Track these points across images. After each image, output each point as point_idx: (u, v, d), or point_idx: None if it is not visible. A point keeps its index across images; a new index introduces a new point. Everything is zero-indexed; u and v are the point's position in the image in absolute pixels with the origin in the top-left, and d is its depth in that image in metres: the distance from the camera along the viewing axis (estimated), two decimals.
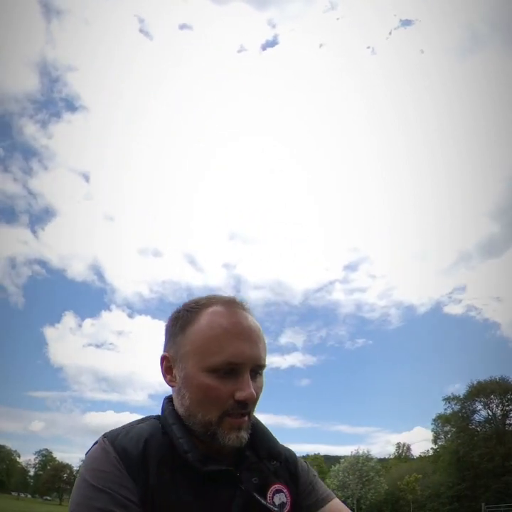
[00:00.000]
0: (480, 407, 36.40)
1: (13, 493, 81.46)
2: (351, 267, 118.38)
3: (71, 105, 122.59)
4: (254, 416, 0.83)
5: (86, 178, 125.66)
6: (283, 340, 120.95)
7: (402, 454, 69.57)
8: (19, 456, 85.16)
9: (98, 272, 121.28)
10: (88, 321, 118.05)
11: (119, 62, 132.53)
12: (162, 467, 0.73)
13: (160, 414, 0.83)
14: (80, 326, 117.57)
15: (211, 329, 0.76)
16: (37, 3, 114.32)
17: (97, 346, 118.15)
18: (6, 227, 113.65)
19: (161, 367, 0.83)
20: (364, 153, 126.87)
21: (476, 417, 36.94)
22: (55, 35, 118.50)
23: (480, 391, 35.76)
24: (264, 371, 0.81)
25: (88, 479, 0.69)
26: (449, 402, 37.49)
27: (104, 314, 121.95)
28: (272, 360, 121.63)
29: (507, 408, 35.51)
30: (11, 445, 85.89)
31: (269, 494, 0.79)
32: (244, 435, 0.77)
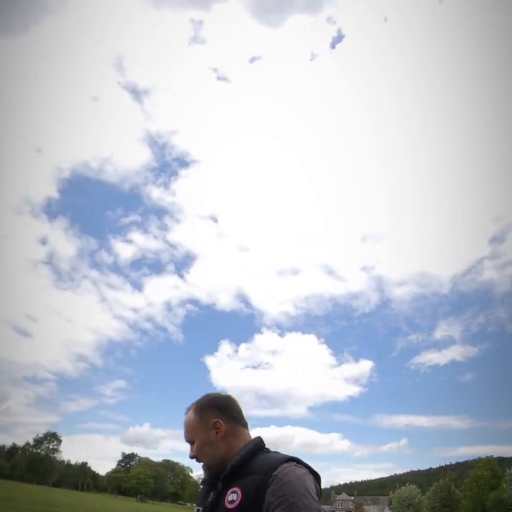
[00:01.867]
0: None
1: (187, 504, 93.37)
2: (497, 239, 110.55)
3: (183, 162, 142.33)
4: (251, 441, 1.37)
5: (214, 219, 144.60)
6: (438, 334, 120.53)
7: None
8: (191, 472, 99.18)
9: (244, 299, 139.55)
10: (243, 346, 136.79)
11: (210, 112, 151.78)
12: (204, 485, 1.45)
13: None
14: (236, 351, 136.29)
15: None
16: (125, 92, 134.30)
17: (254, 367, 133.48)
18: (157, 278, 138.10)
19: None
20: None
21: None
22: (150, 110, 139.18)
23: None
24: None
25: None
26: None
27: (257, 337, 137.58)
28: (429, 358, 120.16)
29: None
30: (185, 462, 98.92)
31: (228, 494, 1.22)
32: (206, 472, 1.39)
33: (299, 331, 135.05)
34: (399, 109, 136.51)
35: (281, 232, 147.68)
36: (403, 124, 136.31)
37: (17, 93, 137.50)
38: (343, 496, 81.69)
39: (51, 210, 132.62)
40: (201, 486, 1.49)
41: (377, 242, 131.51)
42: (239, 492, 1.19)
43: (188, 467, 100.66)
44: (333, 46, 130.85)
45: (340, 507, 76.64)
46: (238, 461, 1.28)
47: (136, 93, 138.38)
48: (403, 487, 59.58)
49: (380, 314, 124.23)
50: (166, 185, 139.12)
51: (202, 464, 1.38)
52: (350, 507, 75.97)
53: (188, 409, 1.45)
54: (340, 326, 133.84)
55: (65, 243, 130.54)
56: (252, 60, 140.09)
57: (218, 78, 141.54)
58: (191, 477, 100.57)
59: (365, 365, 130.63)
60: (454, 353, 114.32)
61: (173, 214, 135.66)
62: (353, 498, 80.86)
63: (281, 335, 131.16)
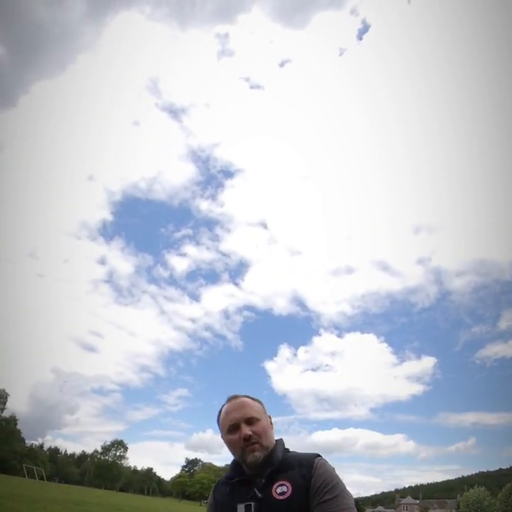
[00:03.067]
0: None
1: None
2: None
3: (228, 173, 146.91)
4: (278, 442, 1.46)
5: (264, 226, 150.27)
6: (503, 324, 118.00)
7: None
8: None
9: (300, 302, 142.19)
10: (302, 349, 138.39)
11: (248, 120, 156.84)
12: (222, 486, 1.49)
13: None
14: (295, 354, 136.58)
15: (222, 415, 1.48)
16: (165, 113, 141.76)
17: (314, 370, 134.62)
18: (213, 287, 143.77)
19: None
20: None
21: None
22: (190, 127, 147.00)
23: None
24: None
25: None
26: None
27: (315, 339, 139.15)
28: (495, 350, 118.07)
29: None
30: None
31: (274, 488, 1.32)
32: (258, 454, 1.38)
33: (358, 330, 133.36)
34: (435, 94, 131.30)
35: (332, 232, 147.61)
36: (446, 110, 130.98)
37: (66, 127, 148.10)
38: (408, 499, 79.25)
39: (107, 232, 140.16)
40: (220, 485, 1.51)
41: (431, 233, 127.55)
42: (288, 484, 1.31)
43: None
44: (360, 38, 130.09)
45: (405, 511, 74.44)
46: (282, 458, 1.40)
47: (174, 112, 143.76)
48: (471, 490, 57.03)
49: (440, 308, 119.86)
50: (213, 197, 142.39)
51: (252, 447, 1.38)
52: (416, 510, 73.62)
53: (232, 397, 1.50)
54: (399, 323, 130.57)
55: (123, 262, 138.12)
56: (282, 64, 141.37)
57: (251, 87, 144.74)
58: None
59: (428, 362, 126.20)
60: None
61: (223, 224, 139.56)
62: (418, 501, 78.26)
63: (339, 336, 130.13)
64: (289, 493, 1.29)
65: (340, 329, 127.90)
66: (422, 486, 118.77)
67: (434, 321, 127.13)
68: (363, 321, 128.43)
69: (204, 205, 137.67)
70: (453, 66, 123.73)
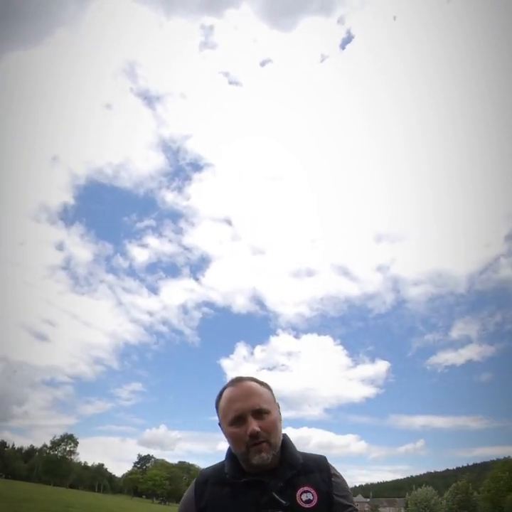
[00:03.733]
0: None
1: None
2: None
3: (197, 166, 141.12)
4: (285, 438, 1.26)
5: (228, 222, 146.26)
6: (454, 333, 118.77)
7: None
8: None
9: (259, 302, 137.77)
10: (259, 348, 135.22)
11: (223, 115, 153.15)
12: (216, 486, 1.20)
13: None
14: (252, 353, 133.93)
15: (224, 402, 1.24)
16: (138, 98, 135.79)
17: (270, 369, 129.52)
18: (172, 280, 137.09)
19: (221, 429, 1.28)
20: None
21: None
22: (163, 116, 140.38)
23: None
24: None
25: (179, 508, 1.27)
26: None
27: (273, 339, 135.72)
28: (445, 358, 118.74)
29: None
30: (200, 464, 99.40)
31: (298, 494, 1.14)
32: (265, 455, 1.15)
33: (315, 332, 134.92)
34: (408, 106, 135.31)
35: (296, 234, 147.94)
36: (416, 122, 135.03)
37: (32, 102, 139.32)
38: (359, 498, 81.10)
39: (67, 217, 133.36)
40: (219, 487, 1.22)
41: (392, 243, 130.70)
42: (312, 491, 1.15)
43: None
44: (343, 47, 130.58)
45: None
46: (300, 459, 1.23)
47: (149, 99, 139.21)
48: (420, 489, 59.01)
49: (396, 314, 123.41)
50: (180, 190, 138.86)
51: (259, 446, 1.16)
52: (366, 509, 75.46)
53: (236, 380, 1.27)
54: (356, 327, 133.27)
55: (82, 249, 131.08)
56: (263, 63, 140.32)
57: (230, 82, 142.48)
58: None
59: (382, 366, 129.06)
60: (471, 352, 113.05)
61: (187, 218, 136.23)
62: (368, 500, 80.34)
63: (296, 336, 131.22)
64: (315, 501, 1.13)
65: (297, 330, 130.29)
66: (372, 485, 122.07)
67: (389, 327, 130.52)
68: (321, 323, 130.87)
69: (170, 197, 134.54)
70: (431, 85, 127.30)
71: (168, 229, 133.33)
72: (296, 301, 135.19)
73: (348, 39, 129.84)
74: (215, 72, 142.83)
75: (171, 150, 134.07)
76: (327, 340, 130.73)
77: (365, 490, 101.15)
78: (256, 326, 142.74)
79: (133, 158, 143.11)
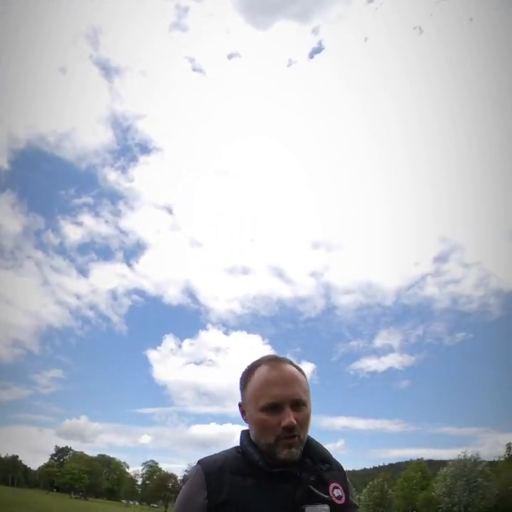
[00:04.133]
0: None
1: (123, 500, 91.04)
2: (442, 258, 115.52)
3: (145, 148, 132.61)
4: (308, 435, 1.12)
5: (169, 210, 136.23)
6: (378, 342, 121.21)
7: None
8: (128, 467, 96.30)
9: (192, 295, 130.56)
10: (187, 341, 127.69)
11: (180, 102, 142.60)
12: (235, 476, 1.04)
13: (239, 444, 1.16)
14: (180, 346, 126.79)
15: (258, 382, 1.10)
16: (96, 67, 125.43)
17: (197, 363, 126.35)
18: (104, 264, 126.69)
19: (240, 411, 1.17)
20: (446, 139, 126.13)
21: None
22: (119, 90, 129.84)
23: None
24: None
25: (179, 499, 1.08)
26: None
27: (202, 333, 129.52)
28: (368, 364, 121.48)
29: None
30: (121, 457, 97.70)
31: (330, 489, 1.07)
32: (295, 451, 1.05)
33: (245, 330, 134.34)
34: (361, 125, 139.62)
35: (235, 231, 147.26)
36: (362, 138, 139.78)
37: None
38: None
39: None
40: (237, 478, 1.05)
41: (329, 251, 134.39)
42: (341, 488, 1.10)
43: (124, 463, 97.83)
44: (311, 56, 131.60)
45: None
46: (331, 454, 1.18)
47: (107, 70, 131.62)
48: None
49: (325, 320, 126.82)
50: (123, 170, 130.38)
51: (291, 441, 1.05)
52: None
53: (274, 359, 1.14)
54: (285, 329, 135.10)
55: (11, 219, 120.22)
56: (231, 56, 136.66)
57: (193, 69, 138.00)
58: (128, 473, 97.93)
59: (307, 368, 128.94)
60: (392, 360, 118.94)
61: (127, 200, 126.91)
62: None
63: (226, 333, 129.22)
64: (344, 498, 1.09)
65: (227, 326, 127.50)
66: None
67: (317, 331, 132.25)
68: (251, 321, 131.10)
69: (112, 176, 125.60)
70: (383, 111, 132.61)
71: (106, 209, 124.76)
72: (228, 298, 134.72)
73: (318, 50, 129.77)
74: (180, 55, 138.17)
75: (121, 127, 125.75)
76: (256, 339, 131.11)
77: None
78: (186, 318, 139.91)
79: (80, 129, 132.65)
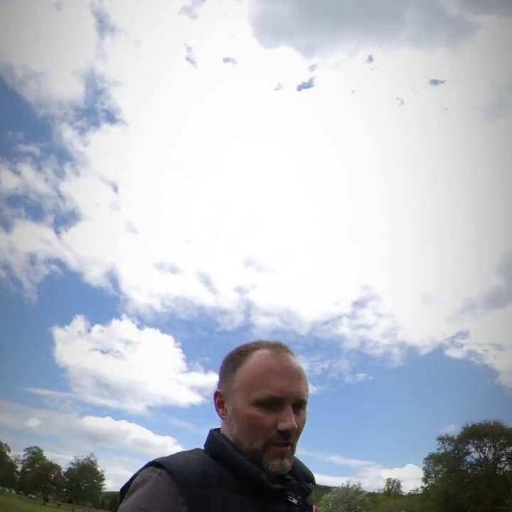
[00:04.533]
0: (472, 449, 36.66)
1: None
2: (360, 304, 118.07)
3: (111, 117, 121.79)
4: None
5: (115, 188, 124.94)
6: None
7: (392, 490, 67.03)
8: (9, 451, 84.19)
9: (114, 279, 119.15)
10: (97, 327, 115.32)
11: (163, 85, 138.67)
12: (223, 490, 0.76)
13: (204, 445, 0.89)
14: (89, 330, 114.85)
15: (257, 368, 0.85)
16: (93, 17, 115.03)
17: (103, 352, 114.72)
18: (31, 224, 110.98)
19: (214, 402, 0.92)
20: (378, 197, 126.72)
21: (468, 458, 36.97)
22: (106, 50, 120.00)
23: (474, 433, 35.95)
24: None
25: None
26: (443, 442, 37.32)
27: (114, 322, 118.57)
28: None
29: (499, 452, 35.69)
30: (2, 439, 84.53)
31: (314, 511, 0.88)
32: (287, 463, 0.83)
33: (159, 328, 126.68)
34: (319, 166, 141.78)
35: (173, 228, 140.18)
36: (300, 186, 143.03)
37: None
38: None
39: None
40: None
41: (259, 271, 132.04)
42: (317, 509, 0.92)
43: (6, 445, 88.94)
44: (299, 89, 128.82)
45: None
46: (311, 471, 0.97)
47: (103, 25, 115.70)
48: None
49: (240, 335, 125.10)
50: (82, 131, 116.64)
51: (284, 449, 0.83)
52: None
53: (278, 346, 0.91)
54: (200, 335, 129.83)
55: None
56: (226, 59, 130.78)
57: (187, 58, 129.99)
58: (8, 457, 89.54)
59: (213, 379, 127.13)
60: None
61: (75, 164, 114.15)
62: None
63: (140, 327, 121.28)
64: None
65: (142, 321, 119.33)
66: None
67: (230, 345, 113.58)
68: (168, 321, 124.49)
69: (68, 134, 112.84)
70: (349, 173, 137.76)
71: (51, 167, 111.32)
72: (150, 292, 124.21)
73: (307, 85, 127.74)
74: (179, 40, 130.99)
75: (95, 88, 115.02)
76: (168, 340, 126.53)
77: None
78: (102, 303, 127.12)
79: (52, 73, 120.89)
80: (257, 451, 0.81)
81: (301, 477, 0.90)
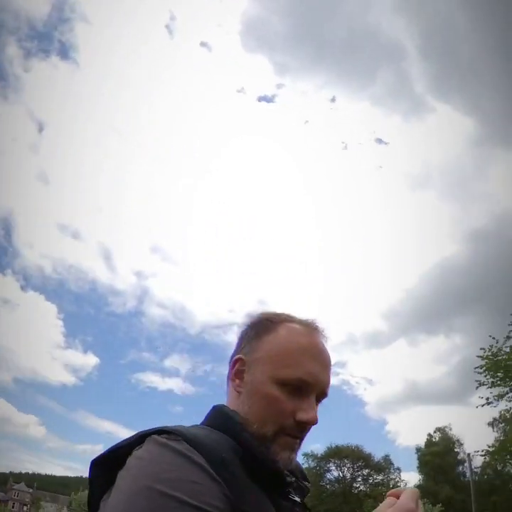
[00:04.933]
0: (333, 467, 40.31)
1: None
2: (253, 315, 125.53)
3: (65, 52, 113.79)
4: None
5: (40, 128, 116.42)
6: (168, 363, 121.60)
7: None
8: None
9: (8, 229, 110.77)
10: None
11: (131, 43, 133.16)
12: (247, 480, 0.64)
13: (203, 421, 0.79)
14: None
15: (289, 343, 0.74)
16: None
17: None
18: None
19: (231, 370, 0.79)
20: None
21: (328, 475, 40.68)
22: None
23: (336, 453, 39.53)
24: None
25: (172, 493, 0.54)
26: (307, 458, 39.53)
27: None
28: (152, 379, 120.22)
29: (356, 473, 40.07)
30: None
31: None
32: (294, 457, 0.74)
33: (44, 294, 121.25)
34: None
35: (87, 195, 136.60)
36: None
37: None
38: (22, 485, 77.02)
39: None
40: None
41: (163, 260, 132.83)
42: None
43: None
44: (259, 100, 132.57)
45: (15, 497, 71.98)
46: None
47: None
48: (86, 491, 59.94)
49: (129, 322, 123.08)
50: (28, 53, 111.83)
51: (296, 441, 0.73)
52: (27, 500, 72.13)
53: (313, 326, 0.78)
54: (86, 311, 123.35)
55: None
56: (203, 44, 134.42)
57: (166, 27, 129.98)
58: None
59: (91, 360, 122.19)
60: (174, 384, 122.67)
61: (7, 86, 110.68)
62: (31, 490, 77.00)
63: (23, 288, 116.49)
64: None
65: (28, 282, 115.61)
66: (39, 475, 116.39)
67: (116, 328, 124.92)
68: (55, 289, 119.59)
69: (12, 51, 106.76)
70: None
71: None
72: (44, 253, 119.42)
73: (268, 99, 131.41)
74: (164, 8, 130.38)
75: (61, 14, 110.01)
76: (52, 309, 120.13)
77: (31, 479, 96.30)
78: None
79: None
80: (266, 438, 0.70)
81: (299, 474, 0.81)
